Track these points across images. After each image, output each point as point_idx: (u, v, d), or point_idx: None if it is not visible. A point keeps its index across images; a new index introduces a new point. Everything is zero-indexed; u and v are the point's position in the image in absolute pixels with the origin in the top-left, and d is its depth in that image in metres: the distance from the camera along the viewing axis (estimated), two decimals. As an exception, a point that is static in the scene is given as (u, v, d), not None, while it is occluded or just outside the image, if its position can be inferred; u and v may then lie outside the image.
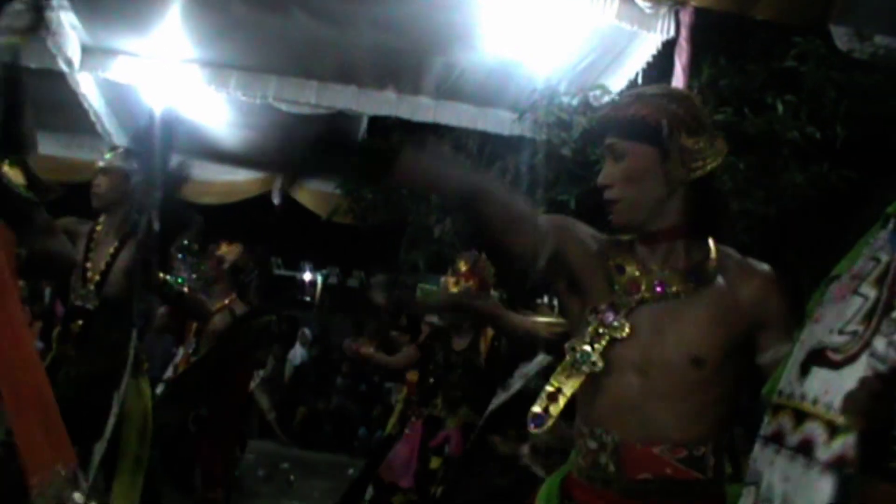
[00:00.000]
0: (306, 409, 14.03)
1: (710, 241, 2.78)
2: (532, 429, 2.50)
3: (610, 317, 2.55)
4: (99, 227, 5.36)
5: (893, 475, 1.69)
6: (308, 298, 26.95)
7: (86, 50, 9.23)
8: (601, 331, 2.53)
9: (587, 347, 2.52)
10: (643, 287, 2.61)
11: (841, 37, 7.11)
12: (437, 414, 6.04)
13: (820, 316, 2.11)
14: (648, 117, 2.64)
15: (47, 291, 14.08)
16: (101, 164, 5.47)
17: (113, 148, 5.60)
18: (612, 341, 2.53)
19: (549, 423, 2.47)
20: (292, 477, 9.88)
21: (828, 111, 7.54)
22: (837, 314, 2.02)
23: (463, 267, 6.18)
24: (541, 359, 5.00)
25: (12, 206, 3.03)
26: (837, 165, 7.44)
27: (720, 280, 2.67)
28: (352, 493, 7.87)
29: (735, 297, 2.64)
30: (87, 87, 9.94)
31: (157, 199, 5.19)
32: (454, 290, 6.10)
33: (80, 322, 5.15)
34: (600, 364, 2.51)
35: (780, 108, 7.55)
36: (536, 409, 2.50)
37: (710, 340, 2.56)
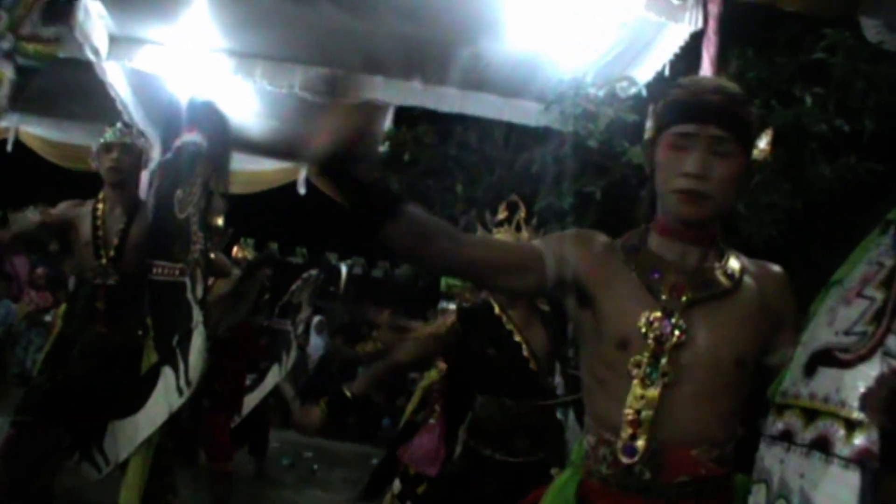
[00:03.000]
0: (329, 399, 14.05)
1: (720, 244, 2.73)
2: (626, 460, 2.46)
3: (667, 325, 2.49)
4: (101, 204, 5.36)
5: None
6: (332, 289, 27.00)
7: (113, 39, 9.28)
8: (661, 340, 2.49)
9: (660, 360, 2.48)
10: (687, 288, 2.56)
11: (870, 28, 7.06)
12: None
13: (823, 319, 2.15)
14: (754, 125, 2.59)
15: (71, 281, 14.18)
16: (121, 140, 5.44)
17: (127, 125, 5.59)
18: (673, 347, 2.49)
19: (641, 452, 2.44)
20: (315, 466, 9.90)
21: (856, 103, 7.48)
22: (842, 317, 2.07)
23: None
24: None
25: None
26: (865, 158, 7.38)
27: (748, 280, 2.63)
28: (375, 484, 7.88)
29: (763, 298, 2.61)
30: (114, 76, 9.98)
31: (223, 178, 5.19)
32: None
33: (104, 299, 5.17)
34: (672, 374, 2.47)
35: (808, 100, 7.49)
36: (625, 437, 2.46)
37: (752, 341, 2.53)
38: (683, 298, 2.53)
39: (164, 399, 4.94)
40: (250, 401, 8.56)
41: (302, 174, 13.11)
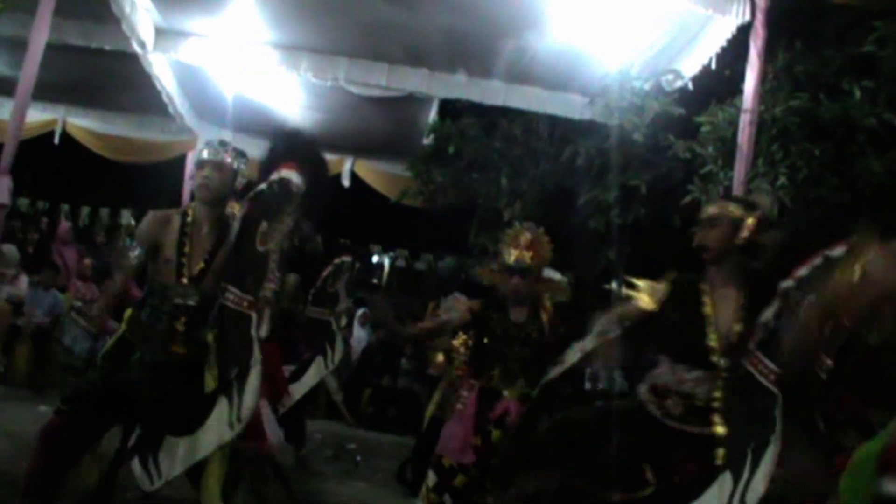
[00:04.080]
0: (372, 391, 14.09)
1: None
2: None
3: None
4: (190, 220, 5.33)
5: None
6: (375, 281, 27.01)
7: (159, 32, 9.34)
8: None
9: None
10: None
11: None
12: (494, 386, 5.96)
13: None
14: None
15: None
16: (214, 158, 5.43)
17: (223, 143, 5.55)
18: None
19: None
20: (358, 458, 9.91)
21: (906, 97, 7.42)
22: None
23: (525, 238, 6.07)
24: (596, 333, 4.93)
25: None
26: (915, 153, 7.33)
27: None
28: (413, 477, 7.90)
29: None
30: (160, 68, 10.05)
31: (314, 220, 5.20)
32: (511, 260, 6.00)
33: (184, 319, 5.15)
34: None
35: (856, 93, 7.43)
36: None
37: None
38: None
39: (216, 429, 4.92)
40: (295, 392, 8.54)
41: (346, 166, 13.14)
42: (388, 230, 20.90)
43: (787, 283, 3.95)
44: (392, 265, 25.61)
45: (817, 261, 3.80)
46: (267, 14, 8.81)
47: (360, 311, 16.25)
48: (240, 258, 5.00)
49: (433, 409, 8.47)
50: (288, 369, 8.62)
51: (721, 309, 4.51)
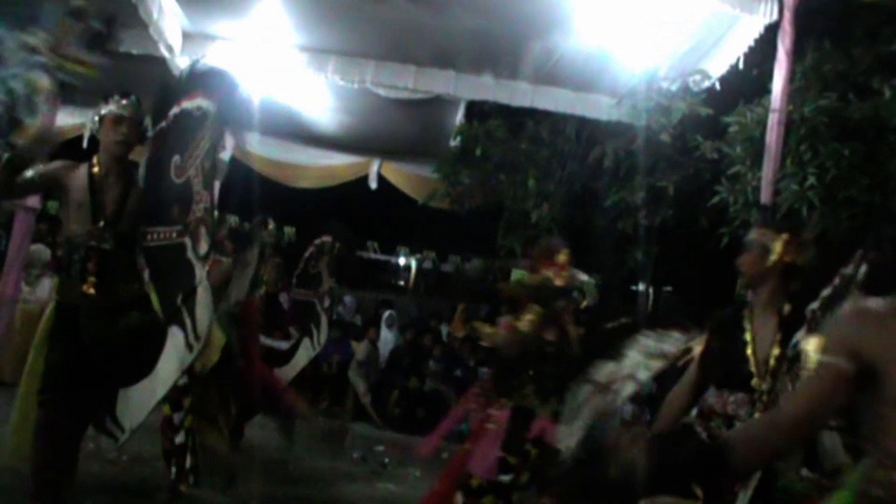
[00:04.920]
0: (400, 393, 14.09)
1: None
2: None
3: None
4: (96, 170, 5.37)
5: None
6: (402, 283, 27.07)
7: (186, 36, 9.39)
8: None
9: None
10: None
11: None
12: (526, 404, 5.92)
13: None
14: None
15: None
16: (122, 112, 5.48)
17: (123, 95, 5.60)
18: None
19: None
20: (386, 460, 9.90)
21: (937, 96, 7.36)
22: None
23: (563, 258, 6.04)
24: (634, 362, 4.90)
25: None
26: (947, 152, 7.27)
27: None
28: None
29: None
30: (188, 71, 10.09)
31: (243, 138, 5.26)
32: (561, 283, 5.94)
33: (96, 262, 5.21)
34: None
35: (886, 92, 7.38)
36: None
37: None
38: None
39: (175, 357, 5.05)
40: (285, 374, 8.59)
41: (373, 168, 13.16)
42: (416, 232, 20.94)
43: (813, 305, 3.98)
44: (419, 267, 25.66)
45: (836, 280, 3.82)
46: (293, 17, 8.84)
47: (386, 314, 16.27)
48: (157, 196, 5.06)
49: None
50: (279, 346, 8.70)
51: (761, 333, 4.52)
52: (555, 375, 5.89)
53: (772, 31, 7.31)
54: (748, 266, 4.50)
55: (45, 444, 5.05)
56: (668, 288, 17.45)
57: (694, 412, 4.75)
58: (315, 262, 9.26)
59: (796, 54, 7.38)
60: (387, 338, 15.56)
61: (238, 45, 9.52)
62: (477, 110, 11.49)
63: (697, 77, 8.52)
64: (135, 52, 9.28)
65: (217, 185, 7.47)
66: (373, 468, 9.55)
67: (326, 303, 9.58)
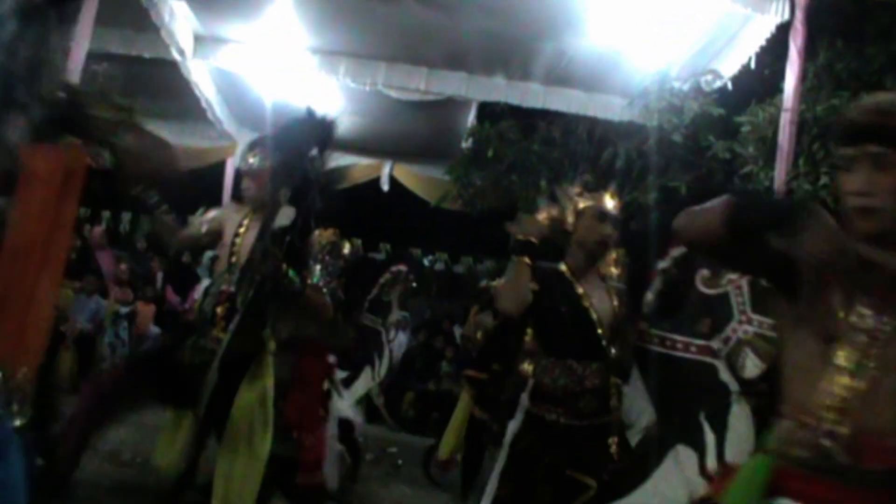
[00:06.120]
0: (414, 395, 14.11)
1: None
2: (827, 443, 2.52)
3: (878, 320, 2.55)
4: (247, 220, 5.42)
5: None
6: (415, 284, 27.06)
7: (198, 39, 9.41)
8: (873, 335, 2.54)
9: (870, 354, 2.53)
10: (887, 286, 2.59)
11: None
12: None
13: None
14: None
15: (159, 276, 14.39)
16: (244, 167, 5.54)
17: (251, 148, 5.63)
18: (883, 342, 2.53)
19: (843, 437, 2.50)
20: (400, 461, 9.91)
21: (950, 95, 7.33)
22: None
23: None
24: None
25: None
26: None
27: None
28: (463, 479, 7.85)
29: None
30: (199, 75, 10.11)
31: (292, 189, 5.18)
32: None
33: (225, 305, 5.24)
34: (881, 368, 2.52)
35: (899, 92, 7.36)
36: (828, 423, 2.53)
37: None
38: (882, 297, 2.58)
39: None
40: (342, 405, 8.41)
41: (385, 170, 13.18)
42: (428, 234, 20.88)
43: (663, 264, 4.28)
44: (431, 269, 25.64)
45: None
46: (305, 19, 8.85)
47: (399, 315, 16.27)
48: None
49: (448, 454, 8.42)
50: (344, 374, 8.54)
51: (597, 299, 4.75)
52: None
53: (784, 30, 7.29)
54: None
55: (89, 395, 5.12)
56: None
57: (526, 397, 4.80)
58: (389, 289, 9.07)
59: (808, 54, 7.37)
60: (401, 340, 15.57)
61: (249, 48, 9.53)
62: (489, 112, 11.49)
63: (709, 77, 8.52)
64: (147, 55, 9.32)
65: None
66: (386, 470, 9.55)
67: (392, 334, 9.43)
